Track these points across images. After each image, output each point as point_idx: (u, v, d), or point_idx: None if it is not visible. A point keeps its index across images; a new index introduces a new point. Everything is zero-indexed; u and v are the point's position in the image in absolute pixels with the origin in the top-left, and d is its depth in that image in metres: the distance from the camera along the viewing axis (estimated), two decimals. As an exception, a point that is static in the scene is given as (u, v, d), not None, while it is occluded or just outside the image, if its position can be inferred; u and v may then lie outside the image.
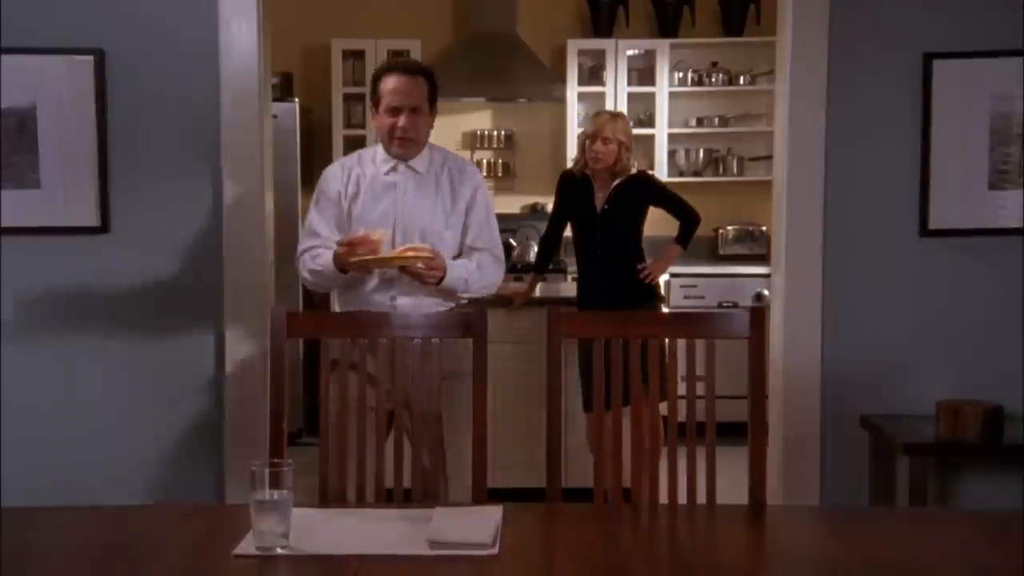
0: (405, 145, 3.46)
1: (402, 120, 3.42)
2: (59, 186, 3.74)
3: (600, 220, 4.86)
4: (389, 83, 3.44)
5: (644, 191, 4.93)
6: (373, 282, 3.43)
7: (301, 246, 3.53)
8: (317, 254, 3.45)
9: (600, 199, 4.86)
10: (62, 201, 3.74)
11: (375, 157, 3.55)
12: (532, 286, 5.19)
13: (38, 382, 3.79)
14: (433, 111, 3.52)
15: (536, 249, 5.68)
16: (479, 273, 3.49)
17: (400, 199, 3.47)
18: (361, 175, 3.51)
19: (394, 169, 3.50)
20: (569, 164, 6.55)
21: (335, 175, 3.57)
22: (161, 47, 3.74)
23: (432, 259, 3.33)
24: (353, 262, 3.28)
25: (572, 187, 4.99)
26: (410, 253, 3.28)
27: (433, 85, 3.49)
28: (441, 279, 3.38)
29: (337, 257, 3.33)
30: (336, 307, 3.66)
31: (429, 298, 3.42)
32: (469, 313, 2.78)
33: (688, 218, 4.98)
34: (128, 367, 3.80)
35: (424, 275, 3.34)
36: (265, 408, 3.67)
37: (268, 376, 3.64)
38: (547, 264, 5.26)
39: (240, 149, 3.79)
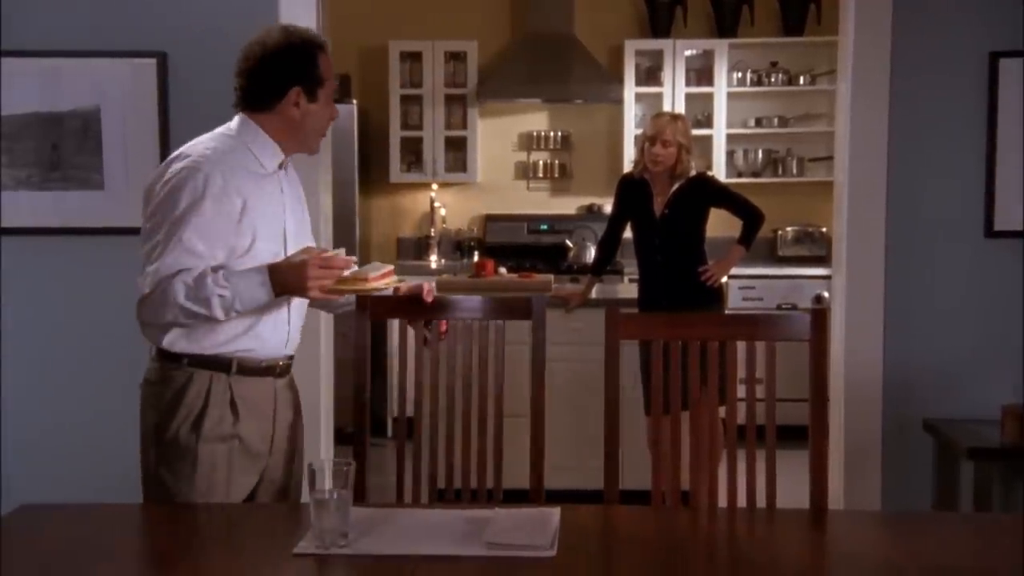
0: None
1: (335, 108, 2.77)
2: (123, 187, 3.79)
3: (659, 225, 4.82)
4: (325, 63, 2.67)
5: (703, 193, 4.88)
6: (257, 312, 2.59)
7: (168, 267, 2.51)
8: (211, 276, 2.49)
9: (659, 203, 4.82)
10: (125, 202, 3.79)
11: (254, 150, 2.65)
12: (589, 288, 5.18)
13: (103, 378, 3.84)
14: None
15: (593, 251, 5.66)
16: None
17: (289, 207, 2.73)
18: (248, 175, 2.61)
19: (280, 166, 2.72)
20: (627, 166, 6.55)
21: (213, 174, 2.53)
22: (222, 50, 3.73)
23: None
24: (338, 288, 2.56)
25: (631, 190, 4.95)
26: (391, 277, 2.71)
27: None
28: None
29: (299, 280, 2.49)
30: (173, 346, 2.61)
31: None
32: (530, 298, 2.87)
33: (751, 216, 4.90)
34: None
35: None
36: (316, 406, 3.71)
37: (321, 374, 3.70)
38: (605, 267, 5.24)
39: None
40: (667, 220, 4.81)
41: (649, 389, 4.51)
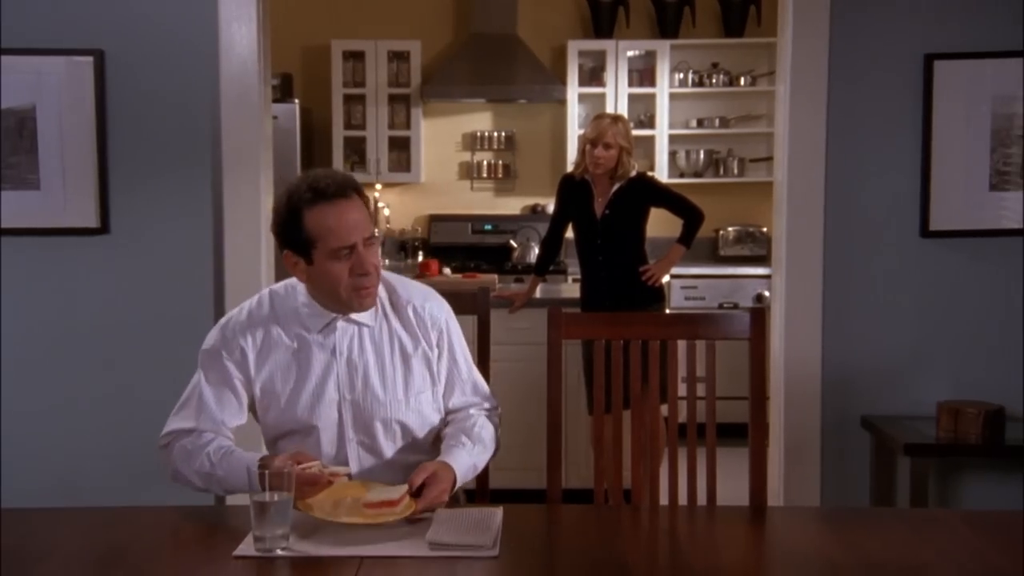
0: (372, 296, 2.45)
1: (364, 263, 2.37)
2: (59, 187, 3.73)
3: (600, 225, 4.85)
4: (329, 217, 2.35)
5: (644, 193, 4.91)
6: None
7: (177, 424, 2.49)
8: (217, 448, 2.41)
9: (600, 204, 4.85)
10: (62, 202, 3.74)
11: (296, 308, 2.49)
12: (532, 288, 5.19)
13: (37, 383, 3.79)
14: None
15: (537, 250, 5.68)
16: (480, 446, 2.50)
17: (344, 374, 2.47)
18: (276, 340, 2.48)
19: (329, 326, 2.48)
20: (570, 165, 6.57)
21: (233, 337, 2.49)
22: (161, 48, 3.74)
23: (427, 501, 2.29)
24: (309, 510, 2.23)
25: (572, 190, 4.97)
26: (396, 507, 2.23)
27: (364, 196, 2.46)
28: (452, 488, 2.39)
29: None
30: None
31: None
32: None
33: (691, 215, 4.94)
34: (127, 368, 3.79)
35: (432, 506, 2.31)
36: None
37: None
38: (548, 266, 5.26)
39: (240, 150, 3.79)
40: (608, 220, 4.83)
41: (592, 388, 4.55)
